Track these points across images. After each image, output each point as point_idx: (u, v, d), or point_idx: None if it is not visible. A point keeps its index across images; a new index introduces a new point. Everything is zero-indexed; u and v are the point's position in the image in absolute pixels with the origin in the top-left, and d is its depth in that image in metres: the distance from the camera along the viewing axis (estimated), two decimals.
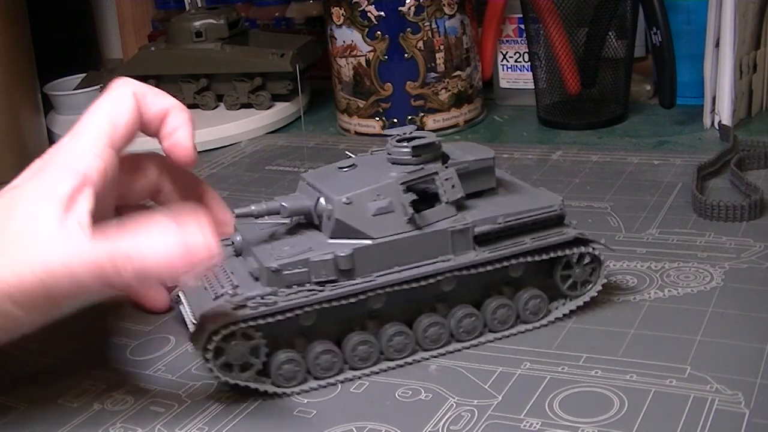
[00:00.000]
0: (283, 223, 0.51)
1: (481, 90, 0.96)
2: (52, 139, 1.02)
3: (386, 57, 0.90)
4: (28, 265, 0.44)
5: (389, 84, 0.91)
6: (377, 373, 0.49)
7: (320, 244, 0.48)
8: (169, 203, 0.56)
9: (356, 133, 0.95)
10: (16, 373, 0.53)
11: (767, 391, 0.44)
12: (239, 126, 0.99)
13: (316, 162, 0.82)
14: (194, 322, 0.49)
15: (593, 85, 0.89)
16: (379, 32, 0.89)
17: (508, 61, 0.98)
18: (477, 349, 0.51)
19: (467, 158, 0.52)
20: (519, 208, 0.51)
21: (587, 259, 0.53)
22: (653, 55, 0.85)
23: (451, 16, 0.89)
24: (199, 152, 0.94)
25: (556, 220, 0.52)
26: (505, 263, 0.51)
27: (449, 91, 0.91)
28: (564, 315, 0.53)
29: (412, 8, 0.88)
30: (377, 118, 0.92)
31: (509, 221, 0.50)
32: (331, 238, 0.49)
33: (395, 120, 0.91)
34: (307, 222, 0.51)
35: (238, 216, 0.50)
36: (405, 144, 0.51)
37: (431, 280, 0.49)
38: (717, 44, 0.81)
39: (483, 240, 0.50)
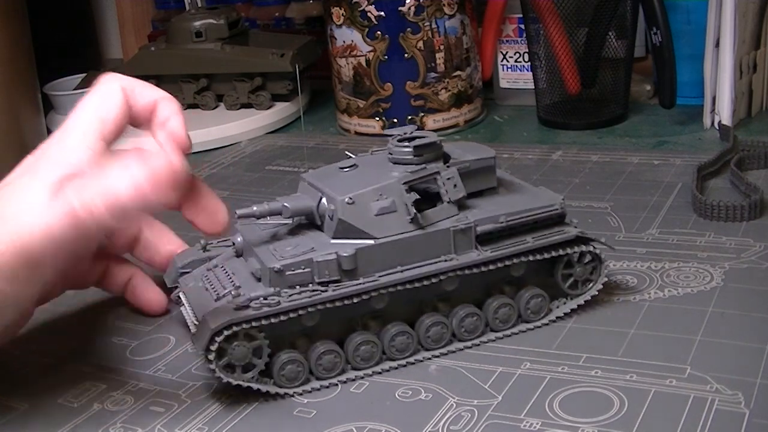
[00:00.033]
0: (285, 224, 0.51)
1: (481, 90, 0.96)
2: None
3: (386, 57, 0.90)
4: (8, 236, 0.45)
5: (389, 84, 0.91)
6: (379, 373, 0.49)
7: (323, 245, 0.48)
8: None
9: (356, 133, 0.95)
10: (16, 373, 0.53)
11: (767, 391, 0.44)
12: (239, 126, 0.99)
13: (316, 162, 0.82)
14: (195, 322, 0.49)
15: (593, 85, 0.89)
16: (379, 32, 0.89)
17: (508, 61, 0.98)
18: (477, 349, 0.51)
19: (468, 158, 0.52)
20: (520, 208, 0.51)
21: (588, 258, 0.53)
22: (653, 55, 0.85)
23: (451, 16, 0.89)
24: (199, 152, 0.95)
25: (557, 219, 0.52)
26: (507, 262, 0.51)
27: (449, 91, 0.91)
28: (564, 315, 0.53)
29: (412, 8, 0.88)
30: (377, 118, 0.92)
31: (511, 220, 0.51)
32: (334, 238, 0.49)
33: (395, 120, 0.91)
34: (308, 222, 0.51)
35: (240, 216, 0.50)
36: (406, 144, 0.51)
37: (434, 280, 0.49)
38: (717, 44, 0.81)
39: (485, 239, 0.50)
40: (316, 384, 0.49)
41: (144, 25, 1.32)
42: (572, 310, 0.53)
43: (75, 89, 1.08)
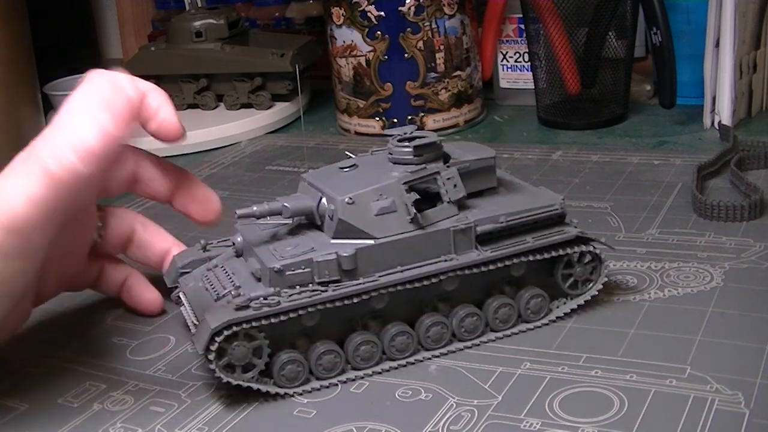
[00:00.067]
0: (285, 224, 0.51)
1: (481, 90, 0.96)
2: None
3: (386, 57, 0.90)
4: None
5: (389, 84, 0.91)
6: (379, 373, 0.49)
7: (323, 245, 0.49)
8: (148, 192, 0.56)
9: (356, 133, 0.95)
10: (16, 373, 0.53)
11: (767, 391, 0.44)
12: (239, 126, 0.99)
13: (316, 162, 0.82)
14: (195, 322, 0.49)
15: (593, 85, 0.89)
16: (379, 32, 0.89)
17: (508, 61, 0.98)
18: (477, 349, 0.51)
19: (468, 158, 0.52)
20: (520, 207, 0.51)
21: (588, 258, 0.53)
22: (653, 55, 0.85)
23: (451, 16, 0.89)
24: (199, 152, 0.95)
25: (557, 219, 0.52)
26: (507, 262, 0.51)
27: (449, 91, 0.91)
28: (564, 315, 0.53)
29: (412, 8, 0.88)
30: (377, 118, 0.92)
31: (511, 220, 0.51)
32: (334, 238, 0.49)
33: (395, 120, 0.91)
34: (308, 222, 0.51)
35: (240, 216, 0.50)
36: (407, 144, 0.51)
37: (434, 280, 0.49)
38: (717, 44, 0.81)
39: (485, 239, 0.50)
40: (316, 384, 0.49)
41: (144, 25, 1.32)
42: (572, 310, 0.53)
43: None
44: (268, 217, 0.51)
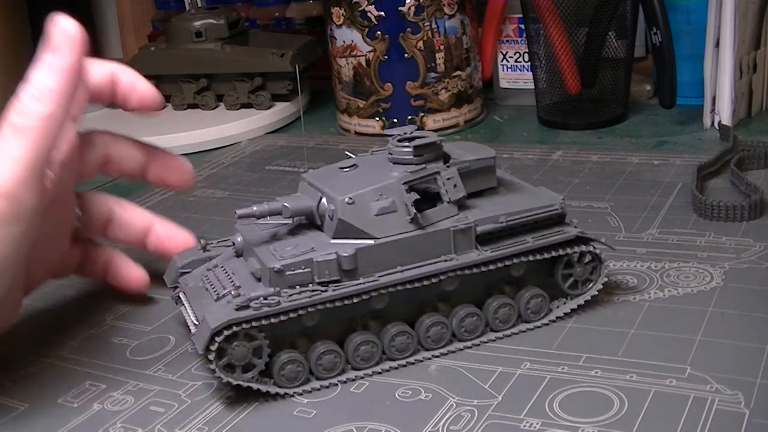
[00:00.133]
0: (285, 224, 0.51)
1: (481, 90, 0.96)
2: None
3: (386, 57, 0.90)
4: None
5: (389, 84, 0.91)
6: (379, 373, 0.49)
7: (323, 245, 0.48)
8: (121, 170, 0.59)
9: (356, 133, 0.95)
10: (16, 373, 0.53)
11: (767, 391, 0.44)
12: (239, 126, 0.99)
13: (316, 162, 0.82)
14: (195, 322, 0.49)
15: (593, 85, 0.89)
16: (379, 32, 0.89)
17: (508, 61, 0.98)
18: (477, 349, 0.51)
19: (468, 158, 0.52)
20: (520, 207, 0.51)
21: (588, 258, 0.53)
22: (653, 55, 0.85)
23: (451, 16, 0.89)
24: (199, 152, 0.95)
25: (557, 219, 0.52)
26: (507, 262, 0.51)
27: (449, 91, 0.91)
28: (564, 315, 0.53)
29: (412, 8, 0.88)
30: (377, 118, 0.92)
31: (511, 220, 0.51)
32: (334, 238, 0.49)
33: (395, 120, 0.91)
34: (308, 222, 0.51)
35: (240, 216, 0.50)
36: (407, 144, 0.51)
37: (434, 280, 0.49)
38: (717, 44, 0.81)
39: (485, 239, 0.50)
40: (316, 384, 0.49)
41: (144, 25, 1.32)
42: (572, 310, 0.53)
43: None
44: (268, 217, 0.51)
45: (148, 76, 1.07)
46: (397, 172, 0.50)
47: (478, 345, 0.51)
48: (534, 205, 0.52)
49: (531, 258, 0.51)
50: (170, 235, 0.60)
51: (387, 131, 0.56)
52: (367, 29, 0.89)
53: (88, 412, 0.49)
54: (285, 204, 0.50)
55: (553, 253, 0.52)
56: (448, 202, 0.50)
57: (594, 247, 0.53)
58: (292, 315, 0.47)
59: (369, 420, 0.45)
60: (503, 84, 1.00)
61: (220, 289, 0.50)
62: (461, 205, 0.51)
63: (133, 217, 0.60)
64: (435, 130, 0.85)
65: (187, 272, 0.55)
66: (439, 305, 0.51)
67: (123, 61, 1.24)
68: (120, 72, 0.55)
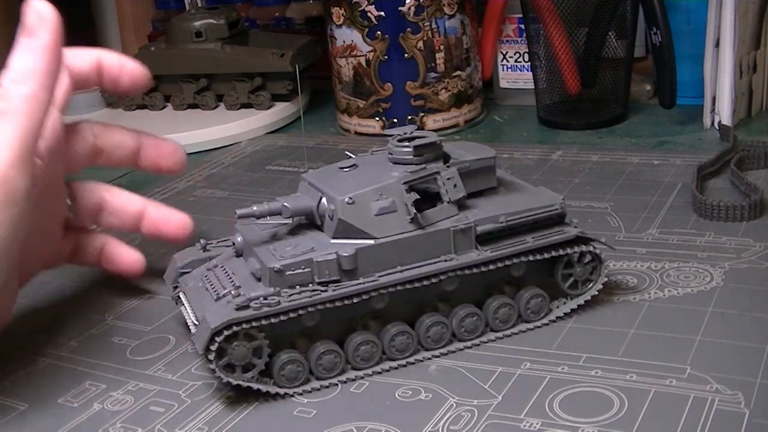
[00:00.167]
0: (285, 224, 0.51)
1: (481, 90, 0.96)
2: None
3: (386, 57, 0.90)
4: None
5: (389, 84, 0.91)
6: (379, 373, 0.49)
7: (323, 245, 0.49)
8: (113, 160, 0.60)
9: (356, 133, 0.95)
10: (16, 373, 0.53)
11: (767, 391, 0.44)
12: (239, 126, 0.99)
13: (316, 162, 0.82)
14: (195, 322, 0.49)
15: (593, 85, 0.89)
16: (379, 32, 0.89)
17: (508, 61, 0.98)
18: (477, 349, 0.51)
19: (468, 158, 0.52)
20: (520, 207, 0.51)
21: (588, 258, 0.53)
22: (653, 55, 0.85)
23: (451, 16, 0.89)
24: (199, 152, 0.95)
25: (557, 219, 0.52)
26: (507, 262, 0.51)
27: (449, 91, 0.91)
28: (564, 315, 0.53)
29: (412, 8, 0.88)
30: (377, 118, 0.92)
31: (511, 220, 0.51)
32: (334, 238, 0.49)
33: (395, 120, 0.91)
34: (308, 222, 0.51)
35: (240, 216, 0.50)
36: (407, 143, 0.51)
37: (434, 280, 0.49)
38: (717, 44, 0.81)
39: (485, 239, 0.50)
40: (316, 384, 0.49)
41: (144, 25, 1.32)
42: (572, 310, 0.53)
43: None
44: (268, 217, 0.51)
45: None
46: (397, 172, 0.50)
47: (478, 345, 0.51)
48: (534, 205, 0.52)
49: (531, 258, 0.51)
50: (165, 218, 0.61)
51: (387, 131, 0.56)
52: (367, 29, 0.89)
53: (88, 412, 0.49)
54: (285, 204, 0.50)
55: (553, 253, 0.52)
56: (448, 202, 0.50)
57: (594, 247, 0.53)
58: (292, 315, 0.47)
59: (369, 420, 0.45)
60: (503, 84, 1.00)
61: (220, 289, 0.50)
62: (461, 205, 0.51)
63: (125, 202, 0.60)
64: (435, 130, 0.85)
65: (187, 272, 0.55)
66: (439, 305, 0.51)
67: None
68: (104, 56, 0.56)
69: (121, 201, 0.60)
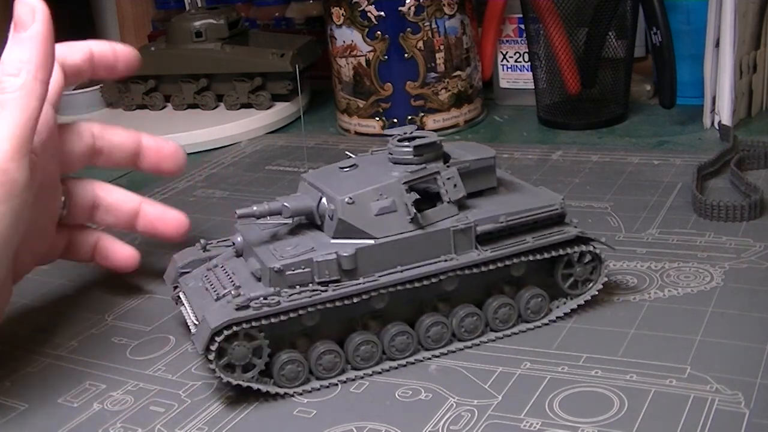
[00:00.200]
0: (285, 224, 0.51)
1: (481, 90, 0.96)
2: None
3: (386, 57, 0.90)
4: None
5: (389, 84, 0.91)
6: (379, 373, 0.49)
7: (323, 245, 0.49)
8: (113, 161, 0.60)
9: (356, 133, 0.95)
10: (16, 373, 0.53)
11: (767, 391, 0.44)
12: (239, 126, 0.99)
13: (316, 162, 0.82)
14: (195, 322, 0.49)
15: (593, 85, 0.89)
16: (379, 32, 0.89)
17: (508, 61, 0.98)
18: (477, 349, 0.51)
19: (468, 158, 0.52)
20: (520, 207, 0.51)
21: (588, 258, 0.53)
22: (653, 55, 0.85)
23: (451, 16, 0.89)
24: (199, 152, 0.95)
25: (557, 219, 0.52)
26: (507, 262, 0.51)
27: (449, 91, 0.91)
28: (564, 315, 0.53)
29: (412, 8, 0.88)
30: (377, 118, 0.92)
31: (511, 220, 0.51)
32: (334, 238, 0.49)
33: (395, 120, 0.91)
34: (308, 222, 0.51)
35: (240, 216, 0.50)
36: (407, 143, 0.51)
37: (434, 280, 0.49)
38: (717, 44, 0.81)
39: (485, 239, 0.50)
40: (316, 384, 0.49)
41: (144, 25, 1.32)
42: (572, 310, 0.53)
43: (75, 89, 1.08)
44: (268, 217, 0.51)
45: (148, 77, 1.08)
46: (397, 172, 0.50)
47: (478, 345, 0.51)
48: (534, 205, 0.52)
49: (531, 258, 0.51)
50: (162, 216, 0.60)
51: (387, 131, 0.56)
52: (367, 29, 0.89)
53: (88, 412, 0.49)
54: (285, 204, 0.50)
55: (553, 253, 0.52)
56: (448, 202, 0.50)
57: (594, 247, 0.53)
58: (292, 315, 0.47)
59: (369, 420, 0.45)
60: (503, 84, 1.00)
61: (220, 289, 0.50)
62: (461, 205, 0.51)
63: (120, 200, 0.60)
64: (435, 130, 0.85)
65: (187, 272, 0.55)
66: (439, 305, 0.51)
67: None
68: (95, 45, 0.57)
69: (116, 199, 0.60)
